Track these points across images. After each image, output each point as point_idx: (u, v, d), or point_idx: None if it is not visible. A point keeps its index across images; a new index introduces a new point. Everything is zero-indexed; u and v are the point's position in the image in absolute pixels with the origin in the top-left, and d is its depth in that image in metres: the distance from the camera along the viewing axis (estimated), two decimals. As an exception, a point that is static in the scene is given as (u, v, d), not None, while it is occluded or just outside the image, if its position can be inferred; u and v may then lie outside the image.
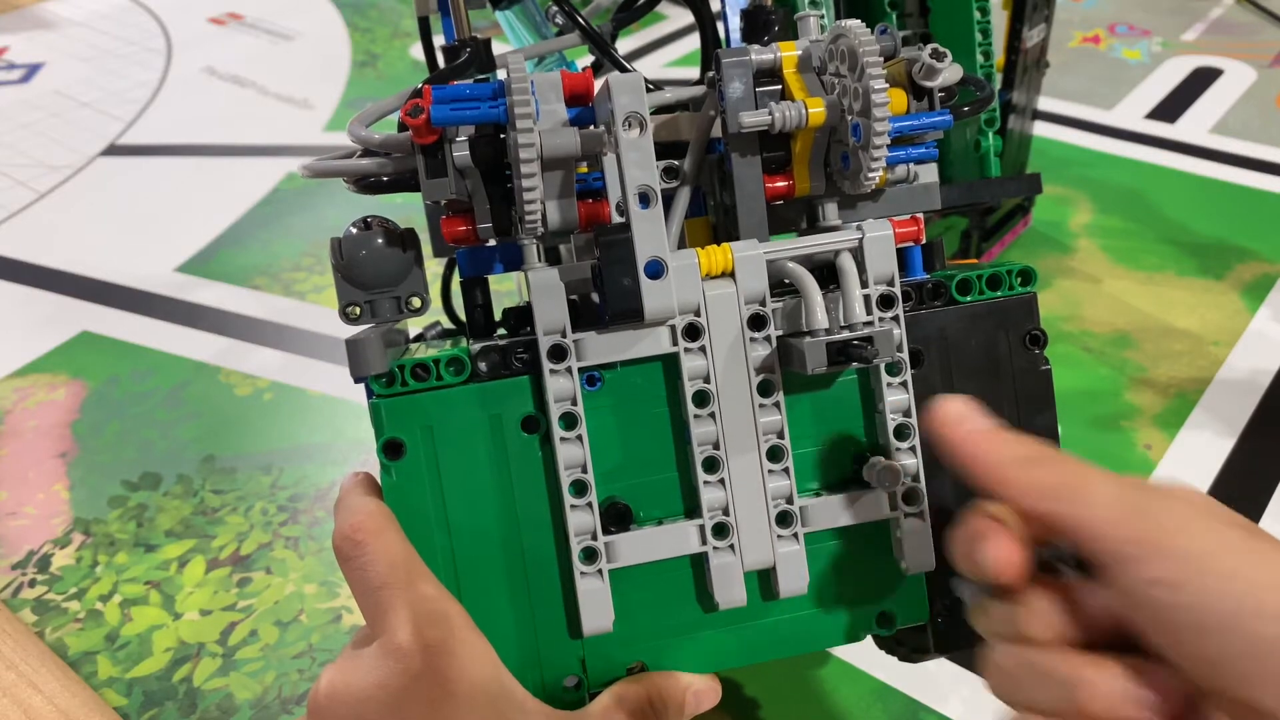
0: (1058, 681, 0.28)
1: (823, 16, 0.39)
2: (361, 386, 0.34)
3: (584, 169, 0.36)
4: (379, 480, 0.35)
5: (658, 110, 0.40)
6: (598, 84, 0.34)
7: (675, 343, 0.34)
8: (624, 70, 0.43)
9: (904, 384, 0.35)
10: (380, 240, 0.35)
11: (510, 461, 0.34)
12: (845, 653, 0.52)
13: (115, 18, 1.37)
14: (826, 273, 0.35)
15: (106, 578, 0.60)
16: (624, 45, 1.09)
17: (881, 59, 0.32)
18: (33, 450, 0.70)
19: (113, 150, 1.07)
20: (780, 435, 0.35)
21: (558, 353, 0.33)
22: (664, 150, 0.38)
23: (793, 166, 0.36)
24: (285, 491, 0.65)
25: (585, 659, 0.35)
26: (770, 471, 0.35)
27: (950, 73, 0.36)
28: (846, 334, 0.32)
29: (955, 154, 0.66)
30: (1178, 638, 0.26)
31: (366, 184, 0.36)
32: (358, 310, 0.36)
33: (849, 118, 0.34)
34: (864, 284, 0.34)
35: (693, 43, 1.21)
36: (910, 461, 0.36)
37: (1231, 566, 0.26)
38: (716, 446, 0.34)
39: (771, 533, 0.35)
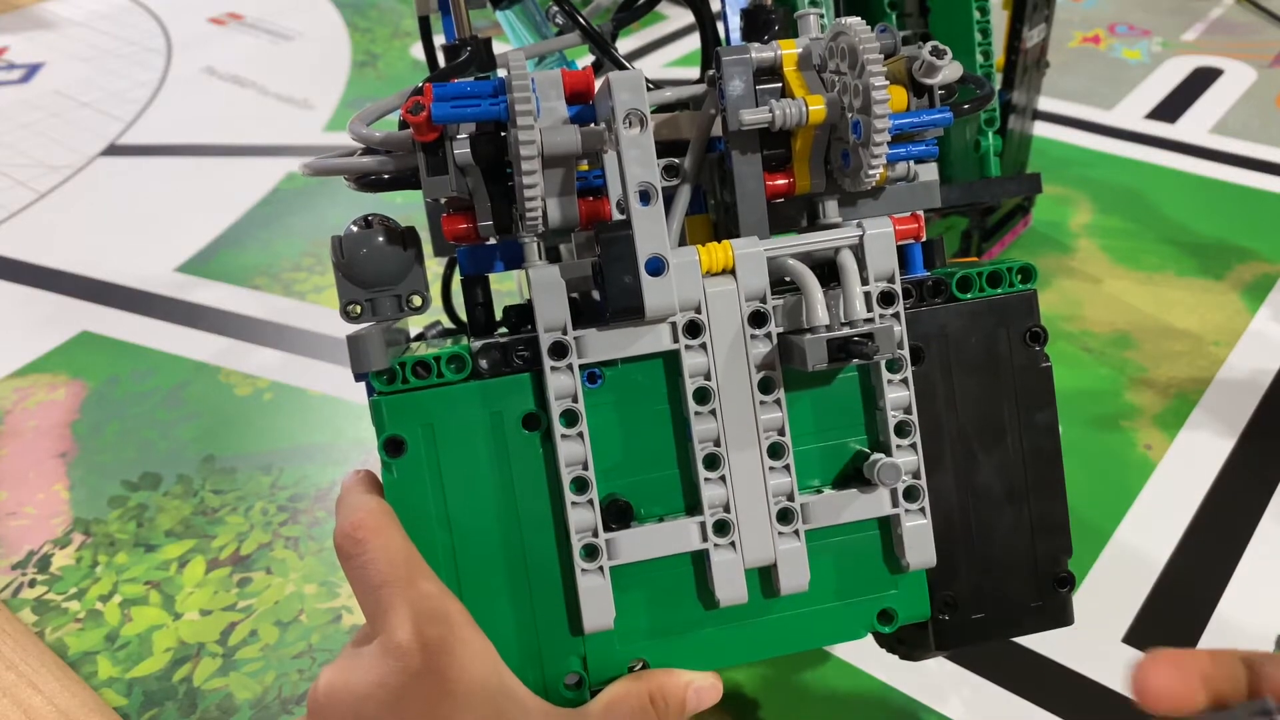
0: None
1: (823, 15, 0.39)
2: (362, 387, 0.34)
3: (584, 167, 0.36)
4: (380, 478, 0.35)
5: (658, 109, 0.40)
6: (598, 82, 0.34)
7: (676, 340, 0.34)
8: (624, 70, 0.43)
9: (904, 381, 0.35)
10: (381, 238, 0.35)
11: (511, 459, 0.34)
12: (845, 652, 0.52)
13: (115, 18, 1.37)
14: (827, 270, 0.35)
15: (106, 578, 0.60)
16: (624, 45, 1.09)
17: (882, 56, 0.32)
18: (33, 450, 0.70)
19: (113, 150, 1.07)
20: (781, 432, 0.35)
21: (559, 350, 0.33)
22: (665, 149, 0.38)
23: (793, 164, 0.36)
24: (285, 491, 0.65)
25: (586, 656, 0.35)
26: (771, 468, 0.35)
27: (950, 70, 0.36)
28: (847, 331, 0.32)
29: (955, 154, 0.66)
30: None
31: (367, 182, 0.36)
32: (359, 308, 0.36)
33: (849, 115, 0.34)
34: (864, 281, 0.34)
35: (693, 42, 1.21)
36: (911, 458, 0.36)
37: None
38: (717, 443, 0.34)
39: (772, 530, 0.35)
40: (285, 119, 1.12)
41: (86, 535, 0.63)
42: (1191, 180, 0.94)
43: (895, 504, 0.36)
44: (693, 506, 0.35)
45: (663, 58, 1.22)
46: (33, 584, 0.60)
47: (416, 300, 0.36)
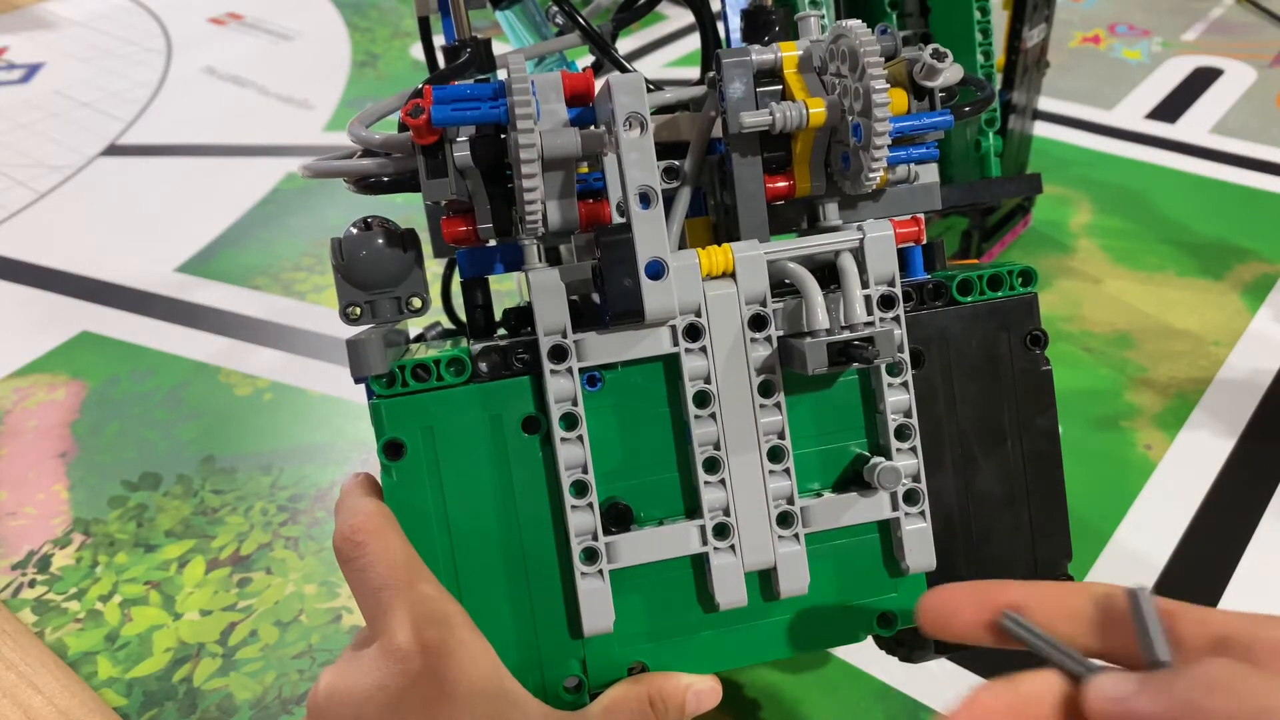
0: None
1: (823, 17, 0.39)
2: (362, 387, 0.34)
3: (584, 169, 0.36)
4: (379, 481, 0.35)
5: (658, 110, 0.40)
6: (598, 84, 0.34)
7: (676, 343, 0.34)
8: (624, 70, 0.43)
9: (905, 384, 0.35)
10: (381, 240, 0.35)
11: (511, 462, 0.34)
12: (845, 653, 0.52)
13: (115, 18, 1.37)
14: (827, 273, 0.35)
15: (106, 578, 0.60)
16: (624, 45, 1.09)
17: (882, 59, 0.32)
18: (33, 450, 0.70)
19: (113, 150, 1.07)
20: (781, 435, 0.35)
21: (558, 353, 0.33)
22: (664, 151, 0.38)
23: (793, 167, 0.36)
24: (285, 491, 0.65)
25: (586, 659, 0.35)
26: (771, 472, 0.35)
27: (951, 73, 0.36)
28: (847, 334, 0.32)
29: (956, 154, 0.66)
30: None
31: (367, 184, 0.36)
32: (358, 310, 0.36)
33: (850, 118, 0.34)
34: (865, 284, 0.34)
35: (693, 43, 1.21)
36: (911, 462, 0.36)
37: None
38: (717, 447, 0.34)
39: (772, 533, 0.35)
40: (285, 119, 1.12)
41: (86, 535, 0.63)
42: (1191, 180, 0.94)
43: (895, 507, 0.36)
44: (692, 510, 0.35)
45: (663, 58, 1.22)
46: (33, 584, 0.60)
47: (416, 302, 0.36)
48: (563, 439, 0.34)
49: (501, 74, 0.38)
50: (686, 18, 1.26)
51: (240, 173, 1.02)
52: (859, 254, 0.34)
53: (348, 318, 0.36)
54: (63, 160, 1.05)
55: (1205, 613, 0.28)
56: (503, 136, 0.34)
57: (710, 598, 0.35)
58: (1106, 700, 0.27)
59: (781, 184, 0.36)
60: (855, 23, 0.33)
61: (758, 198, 0.36)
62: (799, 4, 0.48)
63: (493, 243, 0.36)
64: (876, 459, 0.35)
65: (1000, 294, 0.36)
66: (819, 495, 0.36)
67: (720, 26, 0.46)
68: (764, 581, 0.36)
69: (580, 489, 0.34)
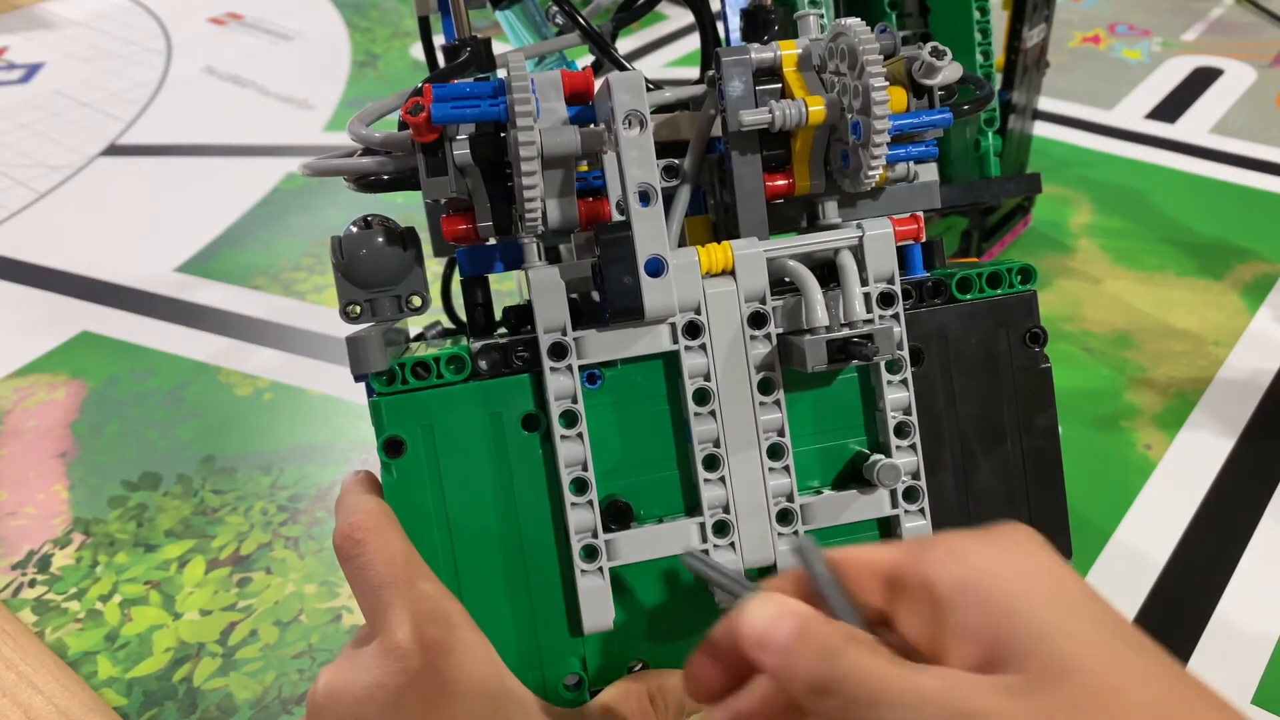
0: None
1: (822, 16, 0.39)
2: (361, 387, 0.34)
3: (584, 167, 0.36)
4: (379, 479, 0.35)
5: (658, 109, 0.40)
6: (598, 83, 0.34)
7: (676, 340, 0.34)
8: (624, 70, 0.43)
9: (904, 382, 0.35)
10: (381, 239, 0.35)
11: (511, 460, 0.34)
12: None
13: (115, 18, 1.37)
14: (827, 271, 0.35)
15: (106, 578, 0.60)
16: (624, 45, 1.09)
17: (881, 57, 0.32)
18: (33, 450, 0.70)
19: (113, 150, 1.07)
20: (781, 433, 0.35)
21: (558, 350, 0.33)
22: (664, 149, 0.38)
23: (793, 165, 0.36)
24: (285, 491, 0.65)
25: (586, 657, 0.35)
26: (771, 469, 0.35)
27: (950, 71, 0.36)
28: (847, 332, 0.32)
29: (955, 154, 0.66)
30: None
31: (367, 183, 0.36)
32: (358, 309, 0.36)
33: (849, 116, 0.34)
34: (864, 282, 0.34)
35: (693, 43, 1.21)
36: (910, 459, 0.36)
37: None
38: (717, 444, 0.34)
39: (772, 531, 0.35)
40: (285, 119, 1.12)
41: (86, 535, 0.63)
42: (1191, 180, 0.94)
43: (895, 505, 0.36)
44: (692, 507, 0.35)
45: (663, 58, 1.22)
46: (33, 584, 0.60)
47: (416, 301, 0.36)
48: (562, 436, 0.34)
49: (501, 73, 0.38)
50: (686, 18, 1.26)
51: (240, 173, 1.02)
52: (858, 252, 0.34)
53: (348, 316, 0.36)
54: (63, 160, 1.05)
55: (870, 555, 0.27)
56: (502, 135, 0.34)
57: (710, 595, 0.35)
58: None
59: (781, 182, 0.36)
60: (854, 21, 0.33)
61: (757, 196, 0.36)
62: (798, 3, 0.48)
63: (492, 241, 0.36)
64: (876, 456, 0.35)
65: (999, 291, 0.36)
66: (819, 493, 0.36)
67: (720, 26, 0.46)
68: (764, 579, 0.36)
69: (580, 486, 0.34)
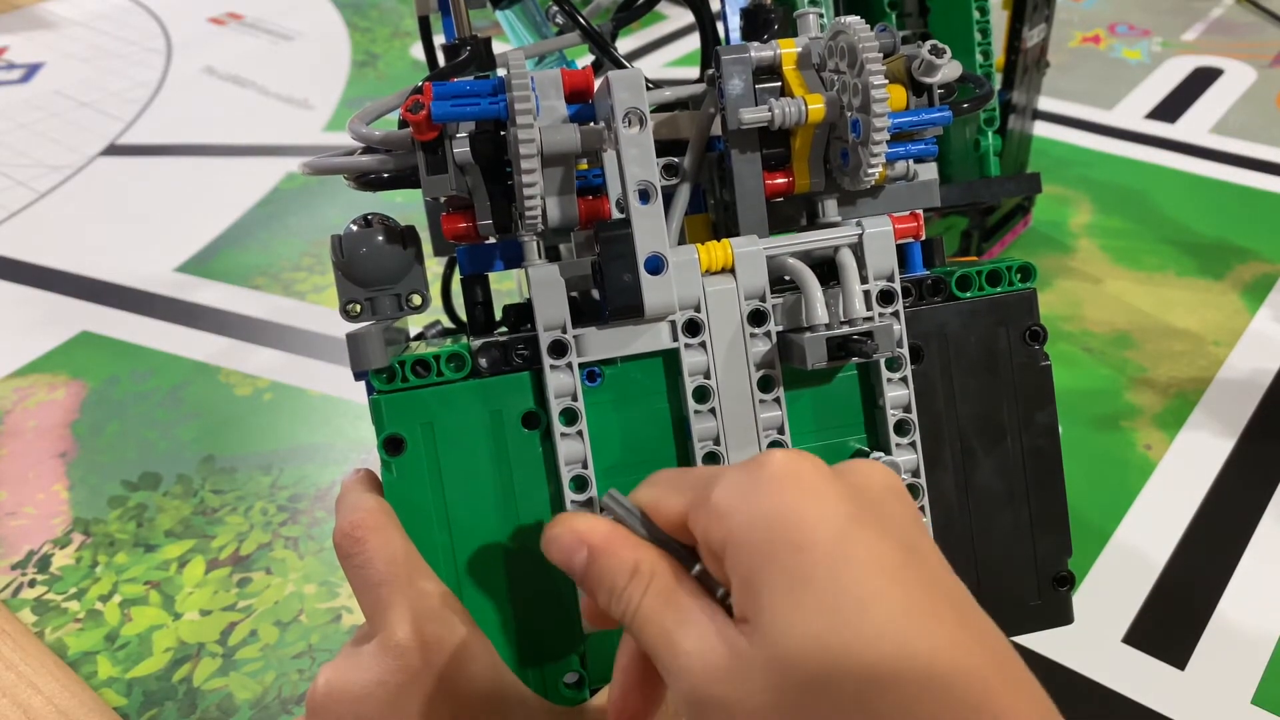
0: None
1: (822, 15, 0.39)
2: (361, 387, 0.34)
3: (584, 165, 0.36)
4: (380, 477, 0.35)
5: (658, 108, 0.40)
6: (597, 81, 0.34)
7: (675, 338, 0.34)
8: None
9: (904, 379, 0.35)
10: (381, 237, 0.35)
11: (511, 457, 0.34)
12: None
13: (115, 18, 1.38)
14: (826, 269, 0.35)
15: (106, 578, 0.60)
16: (624, 45, 1.09)
17: (881, 55, 0.32)
18: (33, 450, 0.70)
19: (113, 150, 1.07)
20: (781, 431, 0.35)
21: (558, 348, 0.33)
22: (664, 148, 0.38)
23: (792, 163, 0.36)
24: (285, 491, 0.65)
25: (586, 656, 0.35)
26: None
27: (949, 69, 0.36)
28: (846, 329, 0.32)
29: (955, 153, 0.66)
30: None
31: (367, 181, 0.36)
32: (358, 307, 0.36)
33: (848, 114, 0.34)
34: (864, 279, 0.34)
35: (693, 43, 1.21)
36: (910, 457, 0.36)
37: None
38: (717, 442, 0.34)
39: (772, 529, 0.35)
40: (285, 119, 1.12)
41: (86, 535, 0.63)
42: (1191, 180, 0.94)
43: (895, 503, 0.36)
44: (692, 505, 0.35)
45: (663, 58, 1.22)
46: (33, 584, 0.60)
47: (416, 299, 0.36)
48: (562, 434, 0.34)
49: (501, 71, 0.38)
50: (686, 18, 1.26)
51: (240, 173, 1.02)
52: (858, 249, 0.34)
53: (348, 314, 0.36)
54: (63, 160, 1.06)
55: (667, 506, 0.28)
56: (502, 133, 0.34)
57: (710, 594, 0.35)
58: None
59: (781, 180, 0.36)
60: (854, 19, 0.33)
61: (757, 194, 0.36)
62: (798, 2, 0.48)
63: (492, 239, 0.36)
64: (876, 454, 0.35)
65: (999, 289, 0.36)
66: (819, 491, 0.36)
67: (720, 25, 0.46)
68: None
69: (580, 484, 0.34)
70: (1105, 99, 1.08)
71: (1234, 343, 0.74)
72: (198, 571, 0.60)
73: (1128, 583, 0.57)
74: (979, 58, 0.63)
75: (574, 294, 0.34)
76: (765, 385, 0.34)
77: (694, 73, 0.46)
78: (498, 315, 0.37)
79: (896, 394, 0.35)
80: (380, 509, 0.34)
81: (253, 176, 1.01)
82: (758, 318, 0.34)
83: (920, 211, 0.37)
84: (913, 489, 0.36)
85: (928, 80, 0.35)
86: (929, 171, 0.38)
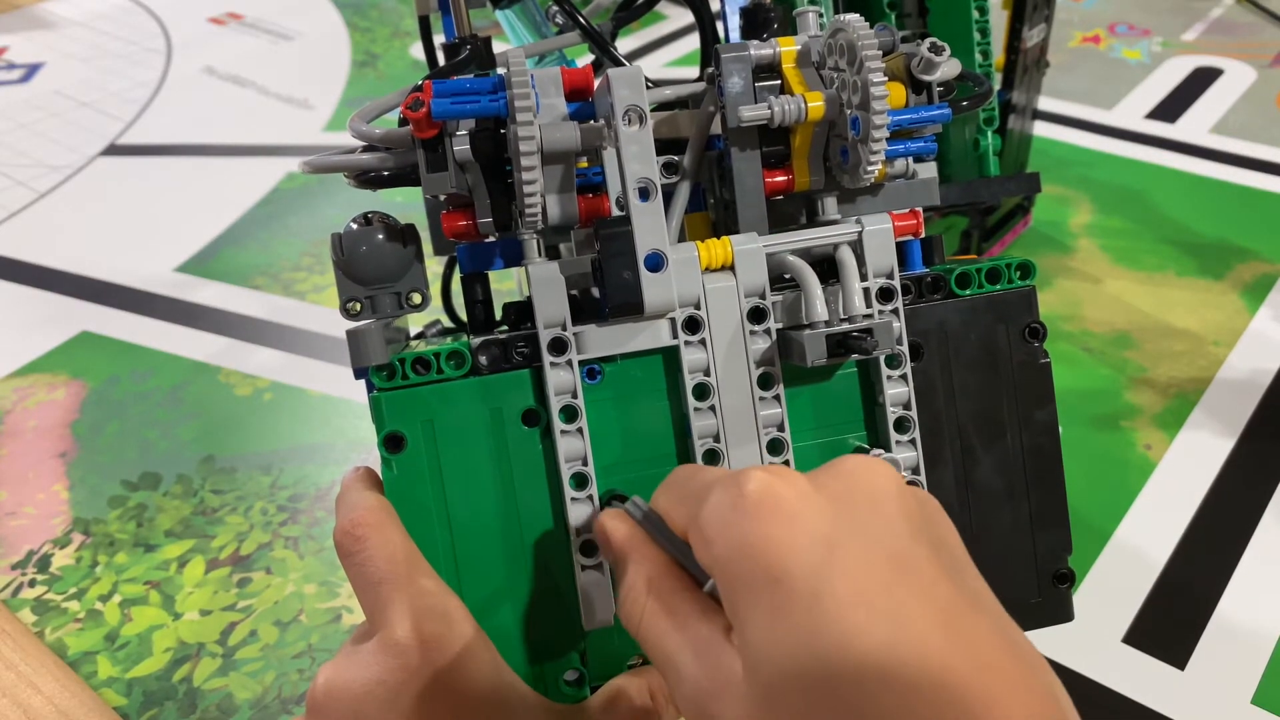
0: None
1: (821, 13, 0.39)
2: (361, 386, 0.34)
3: (584, 163, 0.36)
4: (380, 475, 0.35)
5: (657, 107, 0.40)
6: (597, 80, 0.34)
7: (675, 336, 0.34)
8: (623, 67, 0.43)
9: (904, 377, 0.35)
10: (381, 236, 0.35)
11: (511, 455, 0.34)
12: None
13: (115, 18, 1.38)
14: (826, 266, 0.35)
15: (106, 578, 0.60)
16: (624, 45, 1.09)
17: (880, 52, 0.32)
18: (33, 450, 0.70)
19: (113, 150, 1.07)
20: (780, 428, 0.35)
21: (558, 346, 0.33)
22: (664, 147, 0.38)
23: (792, 161, 0.36)
24: (285, 491, 0.65)
25: (586, 653, 0.35)
26: (770, 464, 0.35)
27: (948, 67, 0.36)
28: (846, 326, 0.32)
29: (955, 153, 0.66)
30: None
31: (367, 179, 0.36)
32: (358, 305, 0.36)
33: (848, 111, 0.34)
34: (863, 277, 0.34)
35: (693, 42, 1.21)
36: (910, 454, 0.36)
37: None
38: (717, 439, 0.34)
39: (772, 527, 0.35)
40: (285, 119, 1.12)
41: (86, 535, 0.63)
42: (1191, 180, 0.94)
43: (895, 501, 0.36)
44: (692, 503, 0.35)
45: (663, 58, 1.22)
46: (33, 584, 0.60)
47: (416, 298, 0.36)
48: (562, 432, 0.34)
49: (501, 69, 0.38)
50: (686, 18, 1.26)
51: (240, 173, 1.02)
52: (857, 247, 0.34)
53: (348, 313, 0.36)
54: (63, 160, 1.06)
55: (671, 520, 0.29)
56: (502, 131, 0.34)
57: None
58: None
59: (780, 178, 0.36)
60: (853, 17, 0.33)
61: (756, 192, 0.36)
62: (797, 0, 0.48)
63: (492, 238, 0.36)
64: (876, 451, 0.35)
65: (999, 287, 0.36)
66: (819, 489, 0.36)
67: (720, 25, 0.46)
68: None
69: (580, 481, 0.34)
70: (1105, 99, 1.08)
71: (1234, 343, 0.74)
72: (198, 571, 0.60)
73: (1128, 582, 0.57)
74: (978, 57, 0.63)
75: (574, 292, 0.34)
76: (765, 382, 0.34)
77: (694, 72, 0.46)
78: (498, 314, 0.37)
79: (896, 391, 0.35)
80: (380, 507, 0.34)
81: (253, 176, 1.01)
82: (757, 315, 0.34)
83: (920, 209, 0.38)
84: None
85: (927, 78, 0.35)
86: (928, 169, 0.38)
